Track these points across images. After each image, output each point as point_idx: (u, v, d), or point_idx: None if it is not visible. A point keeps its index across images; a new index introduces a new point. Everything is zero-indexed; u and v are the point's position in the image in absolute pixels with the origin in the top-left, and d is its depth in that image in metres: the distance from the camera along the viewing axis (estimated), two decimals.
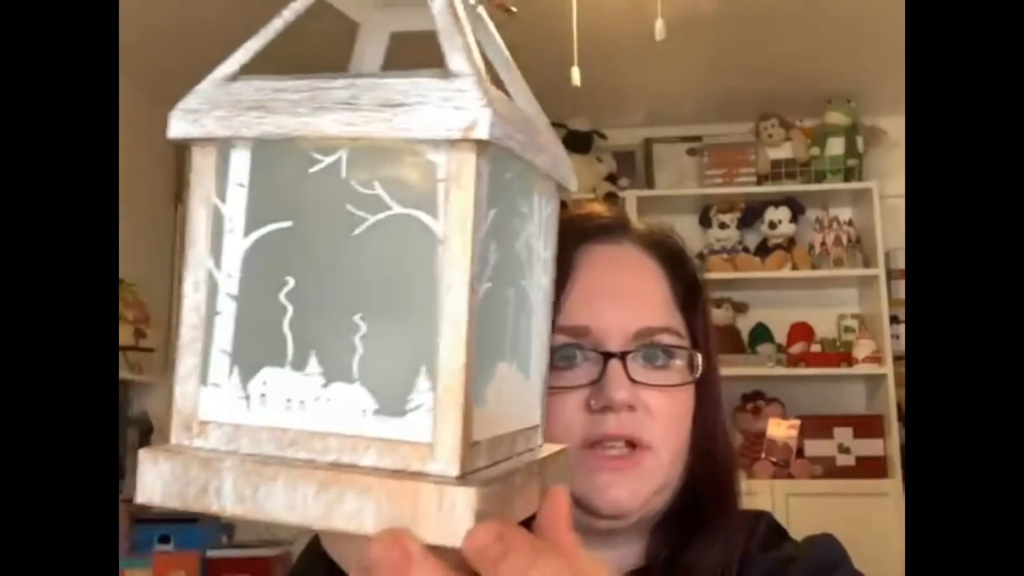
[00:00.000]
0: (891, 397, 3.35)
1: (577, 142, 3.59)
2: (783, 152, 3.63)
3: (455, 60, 0.36)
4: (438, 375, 0.35)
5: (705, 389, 0.77)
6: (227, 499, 0.36)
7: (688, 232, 3.76)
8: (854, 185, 3.54)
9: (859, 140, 3.56)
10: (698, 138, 3.74)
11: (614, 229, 0.78)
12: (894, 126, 3.55)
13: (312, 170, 0.37)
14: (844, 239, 3.55)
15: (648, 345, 0.74)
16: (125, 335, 3.05)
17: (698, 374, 0.75)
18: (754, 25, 2.99)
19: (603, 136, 3.66)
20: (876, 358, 3.39)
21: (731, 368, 3.32)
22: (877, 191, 3.47)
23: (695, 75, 3.39)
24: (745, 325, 3.65)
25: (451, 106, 0.35)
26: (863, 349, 3.42)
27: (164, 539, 2.64)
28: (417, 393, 0.35)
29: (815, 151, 3.58)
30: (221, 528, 2.94)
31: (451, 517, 0.33)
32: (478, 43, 0.40)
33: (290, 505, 0.35)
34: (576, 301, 0.74)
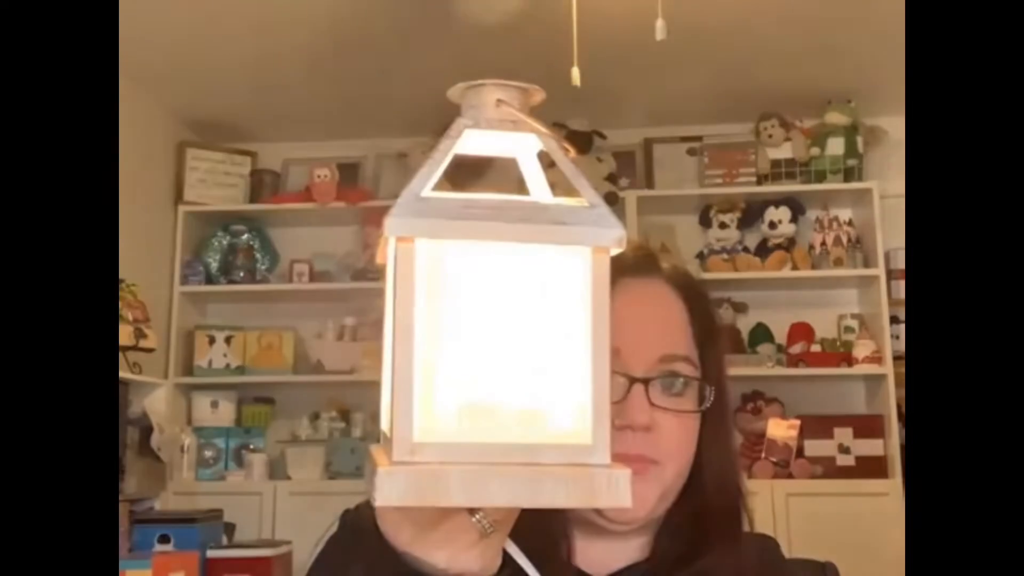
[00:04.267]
0: (891, 397, 3.35)
1: (577, 142, 3.59)
2: (783, 152, 3.63)
3: (589, 194, 0.54)
4: (593, 399, 0.52)
5: (719, 417, 0.87)
6: (456, 494, 0.49)
7: (688, 232, 3.76)
8: (854, 185, 3.54)
9: (859, 140, 3.56)
10: (698, 138, 3.74)
11: (645, 266, 0.88)
12: (894, 126, 3.55)
13: (492, 259, 0.52)
14: (844, 239, 3.55)
15: (668, 373, 0.83)
16: (125, 335, 3.05)
17: (707, 405, 0.85)
18: (754, 25, 2.99)
19: (603, 136, 3.66)
20: (876, 358, 3.39)
21: (731, 368, 3.31)
22: (877, 191, 3.47)
23: (695, 75, 3.38)
24: (745, 325, 3.65)
25: (599, 226, 0.52)
26: (863, 349, 3.42)
27: (164, 539, 2.63)
28: (580, 412, 0.52)
29: (815, 151, 3.58)
30: (221, 528, 2.94)
31: (617, 488, 0.51)
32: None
33: (506, 492, 0.50)
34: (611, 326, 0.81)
